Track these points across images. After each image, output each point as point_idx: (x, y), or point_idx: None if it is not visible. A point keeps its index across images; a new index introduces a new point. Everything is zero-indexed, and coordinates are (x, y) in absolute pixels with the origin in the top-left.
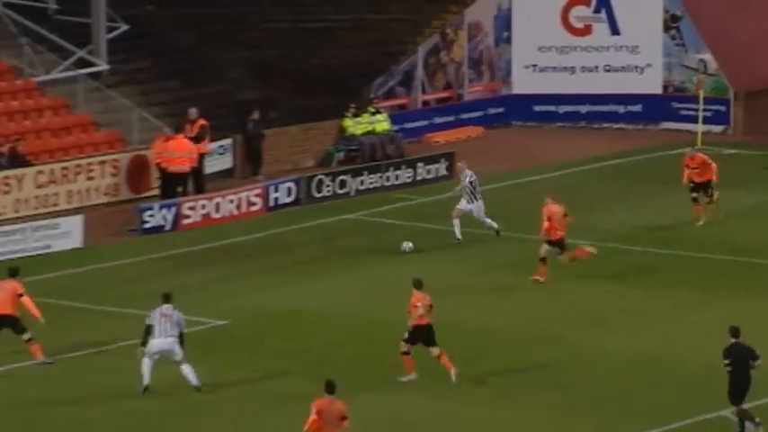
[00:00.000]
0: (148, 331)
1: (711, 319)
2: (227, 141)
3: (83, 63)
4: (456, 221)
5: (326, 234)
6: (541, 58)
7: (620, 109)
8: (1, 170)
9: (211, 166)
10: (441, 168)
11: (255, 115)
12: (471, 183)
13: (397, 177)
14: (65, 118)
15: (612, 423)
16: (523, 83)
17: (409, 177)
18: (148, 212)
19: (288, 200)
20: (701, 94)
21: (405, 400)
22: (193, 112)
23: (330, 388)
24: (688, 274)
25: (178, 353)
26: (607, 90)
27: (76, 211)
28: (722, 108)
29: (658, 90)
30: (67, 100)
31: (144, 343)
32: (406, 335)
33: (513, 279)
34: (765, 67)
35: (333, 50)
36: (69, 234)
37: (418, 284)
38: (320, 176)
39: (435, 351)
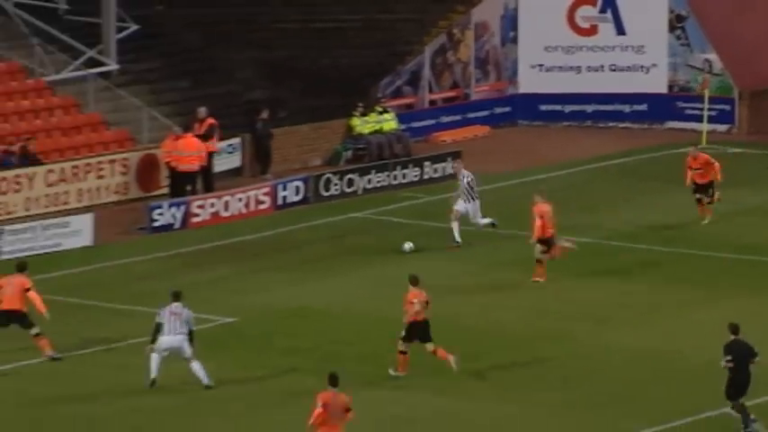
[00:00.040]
0: (158, 329)
1: (716, 317)
2: (236, 140)
3: (93, 63)
4: (455, 224)
5: (334, 232)
6: (548, 58)
7: (626, 108)
8: (12, 169)
9: (220, 165)
10: (447, 167)
11: (265, 114)
12: (469, 183)
13: (404, 176)
14: (75, 117)
15: (616, 420)
16: (530, 82)
17: (416, 176)
18: (158, 211)
19: (296, 198)
20: (706, 93)
21: (411, 397)
22: (203, 111)
23: (333, 381)
24: (692, 272)
25: (187, 350)
26: (613, 89)
27: (86, 209)
28: (727, 107)
29: (663, 89)
30: (78, 99)
31: (153, 341)
32: (404, 333)
33: (519, 277)
34: None
35: (343, 50)
36: (79, 232)
37: (414, 281)
38: (328, 175)
39: (430, 347)
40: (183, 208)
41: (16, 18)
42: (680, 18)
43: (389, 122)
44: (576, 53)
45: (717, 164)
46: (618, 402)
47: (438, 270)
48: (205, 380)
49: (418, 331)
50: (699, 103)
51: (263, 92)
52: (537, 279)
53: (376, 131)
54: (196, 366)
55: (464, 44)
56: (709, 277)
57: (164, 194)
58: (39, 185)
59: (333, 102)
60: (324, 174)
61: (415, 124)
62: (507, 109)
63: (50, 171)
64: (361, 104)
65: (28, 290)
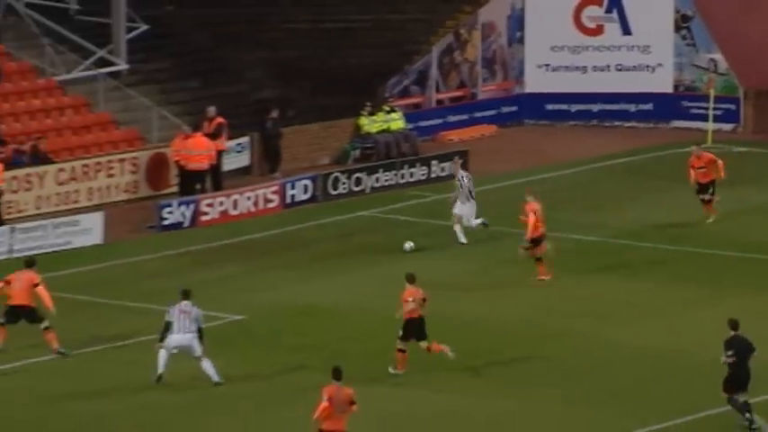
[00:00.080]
0: (167, 328)
1: (720, 316)
2: (245, 139)
3: (103, 63)
4: (457, 227)
5: (342, 231)
6: (554, 58)
7: (632, 108)
8: (23, 168)
9: (229, 164)
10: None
11: (274, 114)
12: (467, 183)
13: (411, 175)
14: (85, 116)
15: (619, 417)
16: (536, 82)
17: (423, 175)
18: (167, 209)
19: (304, 197)
20: (712, 93)
21: (418, 394)
22: (212, 110)
23: (337, 374)
24: (697, 270)
25: (197, 348)
26: (619, 89)
27: (97, 207)
28: (732, 107)
29: (669, 89)
30: (88, 99)
31: (162, 339)
32: (401, 332)
33: (522, 275)
34: None
35: (351, 50)
36: (90, 231)
37: (411, 279)
38: (336, 174)
39: (424, 344)
40: (192, 206)
41: (27, 18)
42: (685, 18)
43: (397, 122)
44: (582, 53)
45: (720, 162)
46: (621, 400)
47: (443, 268)
48: (215, 377)
49: (414, 328)
50: (704, 103)
51: (272, 91)
52: (543, 278)
53: (384, 131)
54: (206, 364)
55: (471, 44)
56: (715, 275)
57: (173, 193)
58: (49, 184)
59: (341, 101)
60: (332, 172)
61: (423, 123)
62: (514, 108)
63: (61, 170)
64: (369, 104)
65: (36, 285)
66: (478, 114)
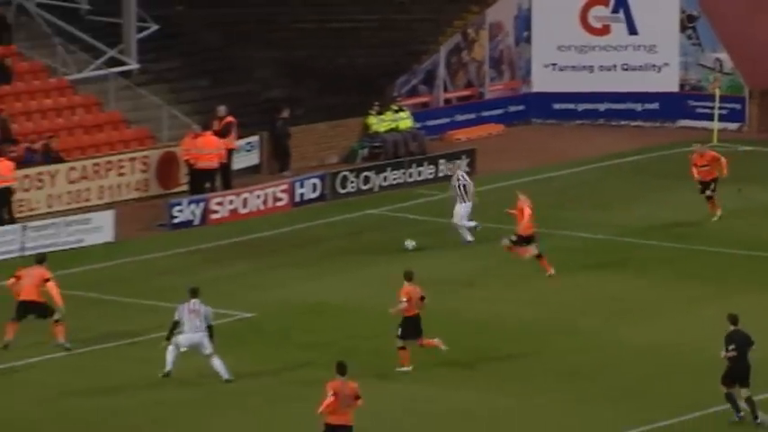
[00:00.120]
0: (174, 327)
1: (725, 313)
2: (255, 138)
3: (114, 62)
4: (461, 229)
5: (351, 229)
6: (561, 57)
7: (638, 107)
8: (35, 166)
9: (239, 163)
10: (462, 165)
11: (285, 114)
12: (464, 184)
13: (419, 174)
14: (96, 116)
15: (626, 414)
16: (543, 81)
17: (431, 174)
18: (177, 208)
19: (313, 195)
20: (717, 92)
21: (427, 391)
22: (222, 109)
23: (342, 369)
24: (703, 268)
25: (208, 346)
26: (625, 88)
27: (108, 206)
28: (737, 106)
29: (675, 88)
30: (99, 98)
31: (169, 337)
32: (400, 330)
33: (531, 272)
34: None
35: (360, 50)
36: (101, 229)
37: (409, 276)
38: (345, 173)
39: (416, 342)
40: (202, 205)
41: (39, 18)
42: (691, 18)
43: (405, 121)
44: (588, 52)
45: (724, 159)
46: (627, 396)
47: (455, 265)
48: (225, 375)
49: (411, 326)
50: (710, 102)
51: (281, 91)
52: (549, 273)
53: (392, 130)
54: (216, 362)
55: (478, 44)
56: (720, 273)
57: (183, 191)
58: (61, 183)
59: (349, 100)
60: (340, 171)
61: (431, 122)
62: (521, 107)
63: (72, 168)
64: (377, 103)
65: (47, 281)
66: (486, 113)
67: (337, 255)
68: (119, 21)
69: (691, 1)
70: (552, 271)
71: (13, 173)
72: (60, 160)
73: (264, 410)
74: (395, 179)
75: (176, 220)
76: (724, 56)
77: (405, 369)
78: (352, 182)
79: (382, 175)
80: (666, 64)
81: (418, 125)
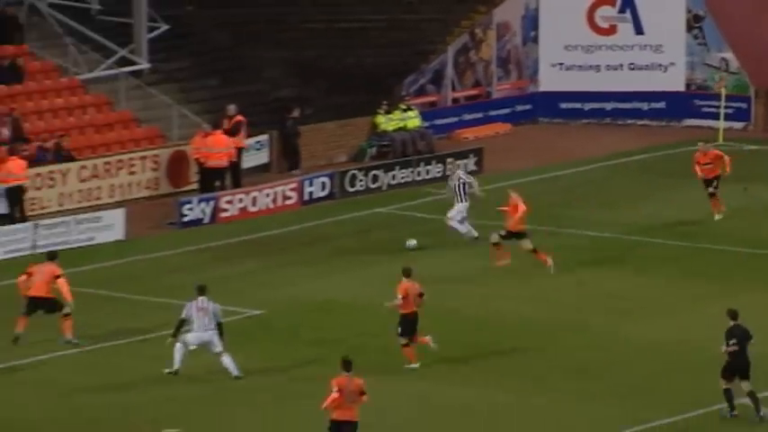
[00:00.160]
0: (181, 325)
1: None
2: (264, 137)
3: (125, 62)
4: (463, 227)
5: (359, 227)
6: (568, 57)
7: (644, 106)
8: (46, 165)
9: (248, 161)
10: (469, 164)
11: (296, 113)
12: (464, 183)
13: (427, 172)
14: (107, 115)
15: (631, 411)
16: (550, 81)
17: (439, 172)
18: (187, 206)
19: (322, 194)
20: (723, 91)
21: (437, 388)
22: (232, 108)
23: (347, 365)
24: (708, 266)
25: (217, 344)
26: (631, 88)
27: (118, 204)
28: (743, 105)
29: (681, 88)
30: (110, 97)
31: (175, 334)
32: (399, 329)
33: (539, 270)
34: None
35: (368, 50)
36: (111, 227)
37: (407, 273)
38: (353, 171)
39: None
40: (212, 203)
41: (50, 18)
42: (697, 18)
43: (413, 120)
44: (595, 52)
45: (727, 157)
46: (632, 393)
47: (463, 263)
48: (234, 372)
49: (410, 324)
50: (716, 101)
51: (290, 90)
52: (549, 264)
53: (400, 129)
54: (226, 360)
55: (486, 43)
56: (725, 271)
57: (193, 190)
58: (72, 181)
59: (358, 100)
60: (349, 170)
61: (438, 122)
62: (528, 107)
63: (83, 167)
64: (385, 102)
65: (58, 276)
66: (493, 113)
67: (346, 253)
68: (129, 21)
69: (697, 1)
70: (551, 262)
71: (24, 171)
72: (71, 159)
73: (273, 407)
74: (403, 178)
75: (186, 219)
76: (730, 55)
77: (412, 366)
78: (360, 180)
79: (390, 174)
80: (673, 63)
81: (426, 124)
